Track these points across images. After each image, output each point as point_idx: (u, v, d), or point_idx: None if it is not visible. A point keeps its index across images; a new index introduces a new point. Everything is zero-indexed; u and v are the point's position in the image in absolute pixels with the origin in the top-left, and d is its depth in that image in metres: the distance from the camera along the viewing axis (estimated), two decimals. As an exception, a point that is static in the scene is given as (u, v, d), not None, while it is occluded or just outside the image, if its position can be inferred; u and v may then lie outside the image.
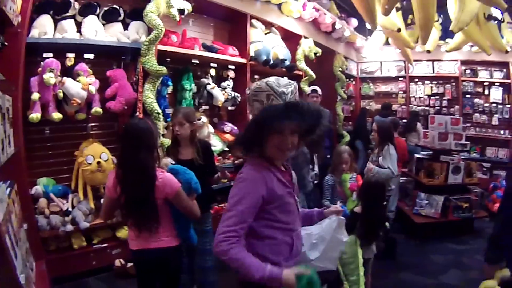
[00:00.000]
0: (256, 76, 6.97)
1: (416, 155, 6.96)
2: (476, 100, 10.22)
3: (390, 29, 6.64)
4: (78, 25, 4.55)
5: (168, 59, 5.24)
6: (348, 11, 9.14)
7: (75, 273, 4.39)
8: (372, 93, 11.60)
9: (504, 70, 9.87)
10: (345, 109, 10.03)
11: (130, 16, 4.97)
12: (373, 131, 5.65)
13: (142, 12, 4.62)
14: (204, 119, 5.57)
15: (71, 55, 4.44)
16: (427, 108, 10.74)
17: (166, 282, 3.08)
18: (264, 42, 6.50)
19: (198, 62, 5.70)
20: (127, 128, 2.91)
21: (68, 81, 4.25)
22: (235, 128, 6.14)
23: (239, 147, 2.04)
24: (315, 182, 4.73)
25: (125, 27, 4.92)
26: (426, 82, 10.87)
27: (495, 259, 2.74)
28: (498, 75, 9.94)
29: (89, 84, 4.41)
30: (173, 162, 3.32)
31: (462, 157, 6.66)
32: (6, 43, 3.32)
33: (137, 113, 4.65)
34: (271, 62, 6.36)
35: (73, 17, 4.52)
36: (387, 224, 3.90)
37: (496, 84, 9.94)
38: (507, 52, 7.28)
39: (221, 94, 5.84)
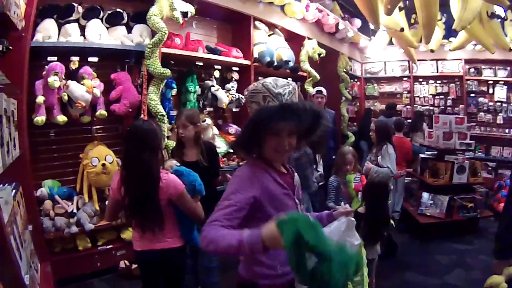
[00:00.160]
0: (260, 78, 6.95)
1: (421, 155, 6.95)
2: (481, 99, 10.18)
3: (393, 29, 6.63)
4: (82, 28, 4.59)
5: (172, 62, 5.27)
6: (351, 12, 9.11)
7: (79, 274, 4.43)
8: (377, 93, 11.57)
9: (508, 68, 9.85)
10: (349, 110, 10.00)
11: (134, 19, 5.00)
12: (371, 131, 5.65)
13: (145, 15, 4.65)
14: (208, 121, 5.59)
15: (75, 59, 4.48)
16: (431, 107, 10.71)
17: (170, 283, 3.10)
18: (267, 44, 6.50)
19: (202, 64, 5.73)
20: (132, 130, 2.93)
21: (72, 84, 4.28)
22: (240, 129, 6.13)
23: (239, 148, 2.04)
24: (321, 183, 4.74)
25: (129, 30, 4.95)
26: (431, 81, 10.83)
27: (503, 255, 2.74)
28: (502, 74, 9.90)
29: (94, 87, 4.44)
30: (178, 164, 3.34)
31: (467, 156, 6.65)
32: (10, 47, 3.34)
33: (142, 116, 4.68)
34: (275, 63, 6.36)
35: (76, 21, 4.56)
36: (392, 222, 3.89)
37: (500, 82, 9.90)
38: (510, 50, 7.23)
39: (225, 96, 5.86)
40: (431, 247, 5.76)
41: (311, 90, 7.06)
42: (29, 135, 3.93)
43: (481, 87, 10.17)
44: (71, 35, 4.41)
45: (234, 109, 6.29)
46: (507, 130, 9.88)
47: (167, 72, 4.67)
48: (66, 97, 4.26)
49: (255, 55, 6.32)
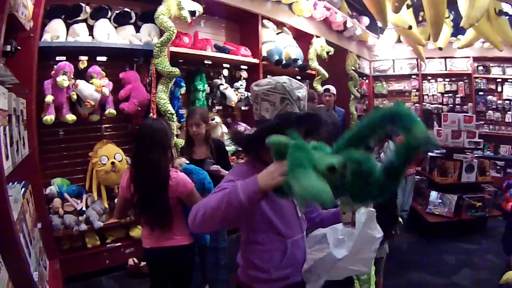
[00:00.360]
0: (268, 76, 6.95)
1: (429, 154, 6.92)
2: (489, 97, 10.10)
3: (401, 27, 6.61)
4: (90, 28, 4.62)
5: (180, 61, 5.30)
6: (359, 10, 9.11)
7: (88, 272, 4.47)
8: (385, 91, 11.55)
9: (517, 66, 9.78)
10: (358, 108, 10.01)
11: (142, 19, 5.03)
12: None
13: (153, 15, 4.69)
14: (217, 119, 5.61)
15: (84, 58, 4.51)
16: (440, 106, 10.67)
17: (178, 280, 3.11)
18: (276, 42, 6.51)
19: (210, 63, 5.75)
20: (142, 128, 2.96)
21: (81, 83, 4.31)
22: (249, 127, 6.13)
23: (241, 146, 1.91)
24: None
25: (137, 29, 4.97)
26: (439, 79, 10.78)
27: None
28: (511, 71, 9.80)
29: (103, 86, 4.47)
30: (187, 162, 3.36)
31: (476, 155, 6.61)
32: (19, 48, 3.37)
33: (151, 114, 4.70)
34: (284, 61, 6.38)
35: (84, 20, 4.59)
36: (400, 220, 3.87)
37: (509, 80, 9.80)
38: (519, 47, 7.21)
39: (234, 94, 5.88)
40: (439, 247, 5.73)
41: (320, 89, 7.06)
42: (39, 134, 3.96)
43: (490, 85, 10.10)
44: (79, 35, 4.44)
45: (243, 108, 6.30)
46: (515, 129, 9.81)
47: (176, 71, 4.69)
48: (75, 96, 4.29)
49: (264, 53, 6.34)
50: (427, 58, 9.96)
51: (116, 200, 3.72)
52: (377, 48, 10.96)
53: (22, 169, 2.92)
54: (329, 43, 7.89)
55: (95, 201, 4.57)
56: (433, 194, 6.36)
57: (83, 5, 4.52)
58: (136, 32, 4.94)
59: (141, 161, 2.84)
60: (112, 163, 4.48)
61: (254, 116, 1.91)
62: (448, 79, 10.64)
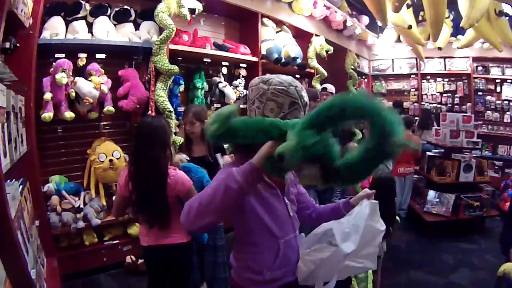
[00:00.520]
0: (268, 75, 6.96)
1: (428, 153, 6.93)
2: (488, 97, 10.11)
3: (401, 26, 6.62)
4: (90, 26, 4.61)
5: (179, 58, 5.28)
6: (359, 9, 9.11)
7: (86, 269, 4.47)
8: (384, 90, 11.57)
9: (516, 67, 9.79)
10: (356, 107, 9.98)
11: (141, 16, 5.01)
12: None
13: (153, 12, 4.67)
14: (216, 117, 5.59)
15: (83, 55, 4.51)
16: (439, 105, 10.69)
17: (176, 278, 3.11)
18: (275, 41, 6.51)
19: (209, 60, 5.74)
20: (141, 125, 2.96)
21: (80, 80, 4.30)
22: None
23: (242, 148, 1.85)
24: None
25: (136, 27, 4.96)
26: (438, 79, 10.80)
27: None
28: (510, 72, 9.81)
29: (101, 83, 4.46)
30: (188, 158, 3.37)
31: (474, 155, 6.62)
32: (18, 45, 3.37)
33: (149, 112, 4.70)
34: (283, 60, 6.37)
35: (84, 18, 4.58)
36: (397, 219, 3.88)
37: (508, 81, 9.81)
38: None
39: (233, 92, 5.87)
40: (436, 246, 5.75)
41: (318, 87, 7.05)
42: (37, 131, 3.95)
43: (489, 85, 10.10)
44: (79, 32, 4.43)
45: (242, 106, 6.29)
46: (514, 129, 9.82)
47: (175, 68, 4.69)
48: (73, 94, 4.28)
49: (263, 51, 6.33)
50: (426, 57, 9.99)
51: (114, 198, 3.72)
52: (376, 47, 10.97)
53: (20, 167, 2.92)
54: (328, 42, 7.88)
55: (93, 198, 4.57)
56: (431, 193, 6.37)
57: (83, 2, 4.51)
58: (136, 30, 4.93)
59: (140, 158, 2.84)
60: (110, 160, 4.48)
61: (249, 114, 1.85)
62: (447, 79, 10.67)
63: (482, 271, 4.88)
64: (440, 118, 7.00)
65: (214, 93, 5.80)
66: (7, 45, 3.22)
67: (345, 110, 1.34)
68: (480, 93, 10.19)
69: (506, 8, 6.46)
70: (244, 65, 6.31)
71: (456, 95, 10.51)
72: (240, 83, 6.16)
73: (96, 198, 4.58)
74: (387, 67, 11.47)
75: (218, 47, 5.76)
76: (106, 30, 4.61)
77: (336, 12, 7.84)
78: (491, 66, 10.01)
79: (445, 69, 10.57)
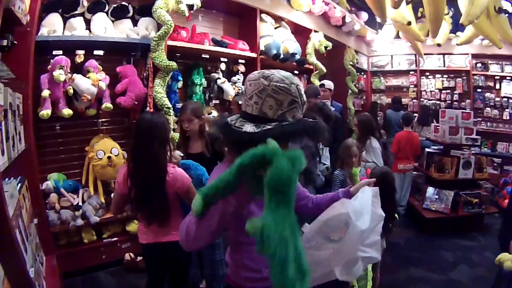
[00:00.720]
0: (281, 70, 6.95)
1: (427, 150, 6.93)
2: (487, 94, 10.15)
3: (400, 23, 6.61)
4: (87, 22, 4.59)
5: (178, 54, 5.29)
6: (358, 5, 9.07)
7: (85, 267, 4.46)
8: (383, 87, 11.57)
9: (515, 64, 9.79)
10: (356, 103, 10.01)
11: (139, 13, 5.00)
12: (354, 125, 5.53)
13: (151, 8, 4.64)
14: (214, 113, 5.59)
15: (80, 52, 4.48)
16: (438, 102, 10.69)
17: (175, 276, 3.11)
18: (274, 36, 6.48)
19: (208, 57, 5.72)
20: (141, 122, 2.94)
21: (78, 77, 4.29)
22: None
23: (231, 144, 1.82)
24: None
25: (134, 23, 4.95)
26: (437, 76, 10.81)
27: None
28: (509, 69, 9.85)
29: (99, 80, 4.45)
30: (182, 155, 3.35)
31: (473, 151, 6.61)
32: (15, 42, 3.36)
33: (148, 108, 4.68)
34: (281, 56, 6.35)
35: (82, 14, 4.56)
36: (396, 216, 3.87)
37: (507, 78, 9.85)
38: (518, 45, 7.22)
39: (231, 88, 5.86)
40: (436, 243, 5.75)
41: (317, 83, 7.04)
42: (35, 128, 3.94)
43: (488, 82, 10.13)
44: (76, 29, 4.41)
45: (240, 102, 6.27)
46: (513, 126, 9.83)
47: (173, 64, 4.67)
48: (71, 91, 4.26)
49: (262, 47, 6.31)
50: (425, 54, 10.01)
51: (112, 195, 3.71)
52: (375, 44, 10.95)
53: (19, 164, 2.91)
54: (327, 38, 7.85)
55: (91, 196, 4.56)
56: (430, 190, 6.38)
57: (80, -2, 4.49)
58: (134, 26, 4.92)
59: (140, 154, 2.83)
60: (109, 157, 4.46)
61: (245, 108, 1.77)
62: (446, 76, 10.68)
63: (481, 268, 4.88)
64: (439, 114, 6.99)
65: (213, 89, 5.79)
66: (5, 42, 3.22)
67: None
68: (479, 90, 10.23)
69: (505, 5, 6.46)
70: (243, 61, 6.29)
71: (455, 92, 10.53)
72: (238, 79, 6.14)
73: (94, 196, 4.57)
74: (386, 63, 11.46)
75: (216, 43, 5.73)
76: (104, 27, 4.59)
77: (335, 8, 7.81)
78: (490, 63, 10.04)
79: (444, 66, 10.59)
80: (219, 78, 5.79)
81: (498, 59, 9.87)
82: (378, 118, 10.25)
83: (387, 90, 11.58)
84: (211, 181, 1.66)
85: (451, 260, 5.17)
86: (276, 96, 1.67)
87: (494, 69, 10.02)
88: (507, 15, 6.60)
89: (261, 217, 1.32)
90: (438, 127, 6.74)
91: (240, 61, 6.25)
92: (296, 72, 7.54)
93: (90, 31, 4.54)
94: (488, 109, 10.10)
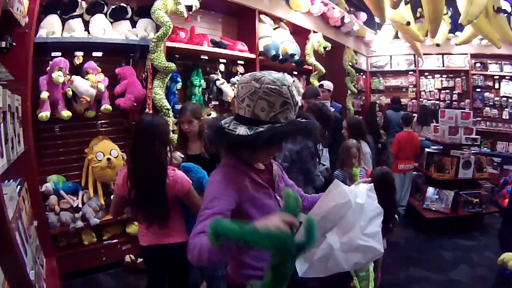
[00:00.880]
0: (272, 71, 6.95)
1: (427, 150, 6.93)
2: (487, 94, 10.14)
3: (399, 23, 6.60)
4: (86, 24, 4.59)
5: (177, 56, 5.28)
6: (357, 5, 9.07)
7: (85, 269, 4.46)
8: (382, 87, 11.56)
9: (514, 63, 9.78)
10: (355, 104, 10.01)
11: (138, 14, 4.99)
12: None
13: (149, 10, 4.64)
14: (214, 114, 5.59)
15: (79, 54, 4.47)
16: (437, 102, 10.69)
17: (175, 277, 3.11)
18: (273, 37, 6.48)
19: (207, 58, 5.72)
20: (141, 123, 2.92)
21: (77, 79, 4.28)
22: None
23: (232, 146, 1.83)
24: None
25: (133, 24, 4.94)
26: (436, 76, 10.79)
27: None
28: (508, 69, 9.84)
29: (98, 81, 4.44)
30: (182, 156, 3.35)
31: (473, 151, 6.61)
32: (14, 44, 3.35)
33: (147, 110, 4.67)
34: (280, 57, 6.35)
35: (80, 16, 4.56)
36: (396, 216, 3.87)
37: (506, 77, 9.84)
38: (517, 45, 7.22)
39: (230, 90, 5.85)
40: (436, 243, 5.75)
41: (316, 84, 7.04)
42: (34, 130, 3.92)
43: (487, 82, 10.12)
44: (75, 30, 4.41)
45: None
46: (512, 126, 9.82)
47: (172, 66, 4.67)
48: (70, 92, 4.26)
49: (260, 48, 6.30)
50: (424, 54, 10.00)
51: (112, 197, 3.71)
52: (374, 44, 10.95)
53: (18, 166, 2.89)
54: (326, 38, 7.86)
55: (91, 197, 4.55)
56: (430, 190, 6.38)
57: (79, 0, 4.47)
58: (132, 27, 4.92)
59: (140, 155, 2.81)
60: (108, 159, 4.46)
61: (238, 111, 1.80)
62: (445, 76, 10.67)
63: (481, 267, 4.89)
64: (437, 115, 7.00)
65: (212, 91, 5.78)
66: (3, 44, 3.20)
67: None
68: (478, 90, 10.22)
69: (504, 4, 6.45)
70: (242, 62, 6.28)
71: (454, 92, 10.51)
72: (237, 80, 6.13)
73: (94, 197, 4.56)
74: (385, 63, 11.46)
75: (215, 44, 5.73)
76: (102, 28, 4.59)
77: (333, 8, 7.82)
78: (489, 63, 10.03)
79: (443, 66, 10.59)
80: (218, 79, 5.79)
81: (497, 59, 9.86)
82: (378, 119, 10.26)
83: (386, 91, 11.57)
84: (210, 190, 1.77)
85: (451, 260, 5.17)
86: (268, 98, 1.69)
87: (493, 68, 10.00)
88: (506, 14, 6.60)
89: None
90: (437, 127, 6.74)
91: (239, 62, 6.25)
92: (295, 72, 7.56)
93: (88, 33, 4.54)
94: (487, 108, 10.09)
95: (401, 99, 10.12)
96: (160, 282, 3.12)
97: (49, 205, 4.25)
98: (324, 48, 7.60)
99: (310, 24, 7.61)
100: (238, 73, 6.20)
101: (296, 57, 6.75)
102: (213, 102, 5.93)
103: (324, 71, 7.50)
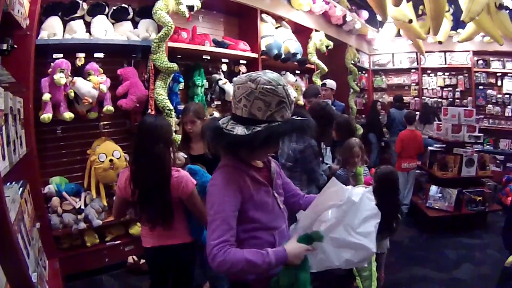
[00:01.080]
0: (267, 71, 6.93)
1: (430, 148, 6.91)
2: (489, 91, 10.09)
3: (402, 20, 6.60)
4: (87, 25, 4.59)
5: (179, 56, 5.27)
6: (358, 3, 9.08)
7: (88, 270, 4.46)
8: (385, 85, 11.55)
9: (517, 60, 9.75)
10: (357, 102, 10.00)
11: (139, 15, 4.99)
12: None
13: (151, 10, 4.64)
14: (216, 114, 5.58)
15: (81, 55, 4.48)
16: (440, 100, 10.66)
17: (179, 278, 3.10)
18: (275, 36, 6.47)
19: (209, 57, 5.72)
20: (144, 123, 2.90)
21: (79, 80, 4.28)
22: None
23: (230, 147, 1.87)
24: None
25: (135, 25, 4.95)
26: (439, 73, 10.77)
27: None
28: (510, 66, 9.78)
29: (100, 83, 4.44)
30: (186, 156, 3.34)
31: (476, 149, 6.59)
32: (15, 46, 3.34)
33: (149, 110, 4.67)
34: (283, 56, 6.34)
35: (81, 17, 4.56)
36: (399, 215, 3.86)
37: (509, 74, 9.78)
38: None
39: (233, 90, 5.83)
40: (439, 242, 5.74)
41: (319, 83, 7.02)
42: (36, 132, 3.94)
43: (490, 79, 10.08)
44: (77, 32, 4.41)
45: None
46: (515, 123, 9.79)
47: (174, 66, 4.66)
48: (72, 94, 4.26)
49: (263, 48, 6.30)
50: (426, 52, 9.97)
51: (114, 198, 3.70)
52: (376, 42, 10.94)
53: (20, 169, 2.90)
54: (328, 37, 7.84)
55: (93, 199, 4.55)
56: (433, 189, 6.36)
57: (80, 1, 4.47)
58: (134, 28, 4.92)
59: (143, 157, 2.78)
60: (111, 160, 4.46)
61: (235, 111, 1.87)
62: (447, 73, 10.64)
63: (484, 266, 4.87)
64: (440, 112, 6.97)
65: (214, 90, 5.78)
66: (4, 46, 3.19)
67: None
68: (481, 87, 10.18)
69: (506, 1, 6.43)
70: (244, 62, 6.28)
71: (456, 89, 10.49)
72: (234, 81, 6.11)
73: (97, 199, 4.56)
74: (387, 61, 11.43)
75: (217, 44, 5.73)
76: (104, 29, 4.59)
77: (335, 6, 7.80)
78: (492, 60, 9.98)
79: (445, 63, 10.55)
80: (220, 79, 5.78)
81: (499, 56, 9.81)
82: (381, 117, 10.25)
83: (388, 89, 11.56)
84: (215, 194, 1.86)
85: (454, 259, 5.16)
86: (264, 98, 1.76)
87: (496, 65, 9.96)
88: (508, 11, 6.58)
89: None
90: (440, 125, 6.72)
91: (241, 61, 6.25)
92: (297, 71, 7.55)
93: (90, 34, 4.55)
94: (490, 106, 10.05)
95: (404, 97, 10.09)
96: (164, 283, 3.12)
97: (51, 207, 4.25)
98: (327, 46, 7.59)
99: (312, 22, 7.61)
100: (241, 72, 6.17)
101: (299, 56, 6.74)
102: (215, 102, 5.94)
103: (326, 69, 7.49)
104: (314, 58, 7.36)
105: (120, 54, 4.92)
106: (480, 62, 10.09)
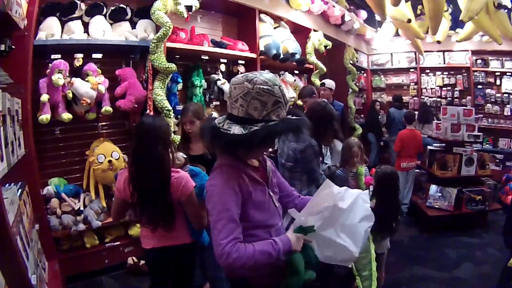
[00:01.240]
0: (266, 71, 6.92)
1: (429, 147, 6.91)
2: (488, 90, 10.10)
3: (400, 20, 6.59)
4: (85, 25, 4.57)
5: (177, 56, 5.27)
6: (357, 3, 9.07)
7: (88, 271, 4.44)
8: (384, 85, 11.56)
9: (515, 59, 9.75)
10: (356, 102, 10.00)
11: (138, 15, 4.98)
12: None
13: (149, 10, 4.62)
14: (215, 114, 5.57)
15: (79, 56, 4.46)
16: (439, 99, 10.67)
17: (179, 279, 3.09)
18: (273, 36, 6.46)
19: (207, 58, 5.70)
20: (143, 124, 2.88)
21: (77, 81, 4.27)
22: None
23: (228, 145, 1.89)
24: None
25: (133, 26, 4.93)
26: (438, 73, 10.78)
27: None
28: (509, 65, 9.79)
29: (98, 83, 4.43)
30: (185, 156, 3.33)
31: (475, 148, 6.59)
32: (13, 47, 3.34)
33: (148, 111, 4.65)
34: (281, 56, 6.34)
35: (79, 18, 4.54)
36: (399, 216, 3.85)
37: (507, 74, 9.79)
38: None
39: (232, 90, 5.82)
40: (439, 241, 5.74)
41: (318, 83, 7.02)
42: (34, 133, 3.92)
43: (489, 78, 10.09)
44: (75, 32, 4.39)
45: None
46: (514, 122, 9.79)
47: (172, 66, 4.65)
48: (70, 95, 4.25)
49: (261, 48, 6.29)
50: (425, 51, 9.98)
51: (113, 199, 3.69)
52: (375, 42, 10.96)
53: (19, 170, 2.89)
54: (327, 37, 7.83)
55: (93, 200, 4.54)
56: (433, 188, 6.36)
57: (78, 2, 4.45)
58: (132, 28, 4.90)
59: (142, 158, 2.76)
60: (109, 161, 4.45)
61: (232, 110, 1.90)
62: (446, 73, 10.65)
63: (485, 265, 4.88)
64: (438, 111, 6.98)
65: (213, 91, 5.77)
66: (2, 47, 3.20)
67: None
68: (479, 87, 10.18)
69: (505, 0, 6.43)
70: (243, 62, 6.26)
71: (455, 89, 10.50)
72: (230, 81, 6.09)
73: (96, 200, 4.55)
74: (386, 61, 11.44)
75: (216, 44, 5.72)
76: (102, 30, 4.58)
77: (334, 7, 7.80)
78: (491, 59, 10.00)
79: (444, 63, 10.56)
80: (219, 79, 5.78)
81: (498, 55, 9.83)
82: (380, 117, 10.26)
83: (387, 88, 11.57)
84: (215, 194, 1.86)
85: (455, 258, 5.16)
86: (260, 98, 1.80)
87: (494, 65, 9.97)
88: (506, 10, 6.58)
89: None
90: (439, 125, 6.72)
91: (240, 61, 6.22)
92: (296, 71, 7.54)
93: (88, 34, 4.53)
94: (489, 105, 10.05)
95: (403, 97, 10.10)
96: (164, 284, 3.11)
97: (50, 208, 4.23)
98: (325, 46, 7.58)
99: (310, 22, 7.60)
100: (239, 72, 6.16)
101: (297, 56, 6.74)
102: (214, 103, 5.94)
103: (325, 69, 7.48)
104: (312, 58, 7.36)
105: (118, 55, 4.89)
106: (479, 61, 10.10)
